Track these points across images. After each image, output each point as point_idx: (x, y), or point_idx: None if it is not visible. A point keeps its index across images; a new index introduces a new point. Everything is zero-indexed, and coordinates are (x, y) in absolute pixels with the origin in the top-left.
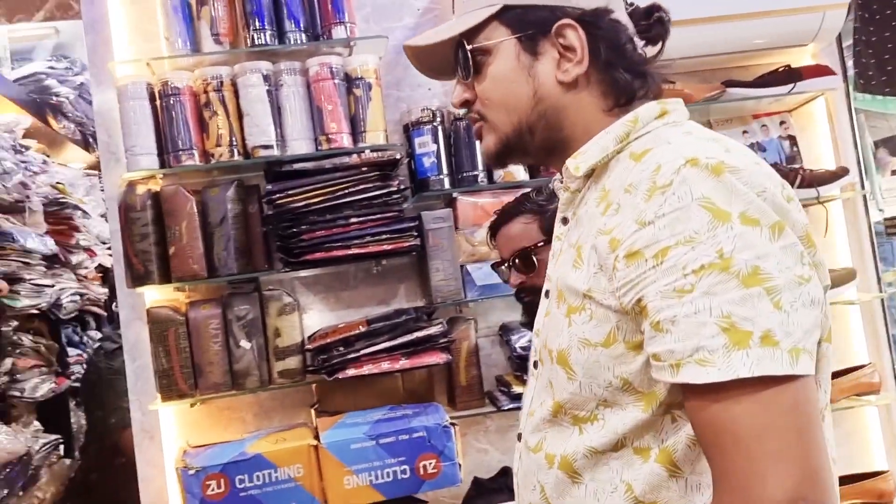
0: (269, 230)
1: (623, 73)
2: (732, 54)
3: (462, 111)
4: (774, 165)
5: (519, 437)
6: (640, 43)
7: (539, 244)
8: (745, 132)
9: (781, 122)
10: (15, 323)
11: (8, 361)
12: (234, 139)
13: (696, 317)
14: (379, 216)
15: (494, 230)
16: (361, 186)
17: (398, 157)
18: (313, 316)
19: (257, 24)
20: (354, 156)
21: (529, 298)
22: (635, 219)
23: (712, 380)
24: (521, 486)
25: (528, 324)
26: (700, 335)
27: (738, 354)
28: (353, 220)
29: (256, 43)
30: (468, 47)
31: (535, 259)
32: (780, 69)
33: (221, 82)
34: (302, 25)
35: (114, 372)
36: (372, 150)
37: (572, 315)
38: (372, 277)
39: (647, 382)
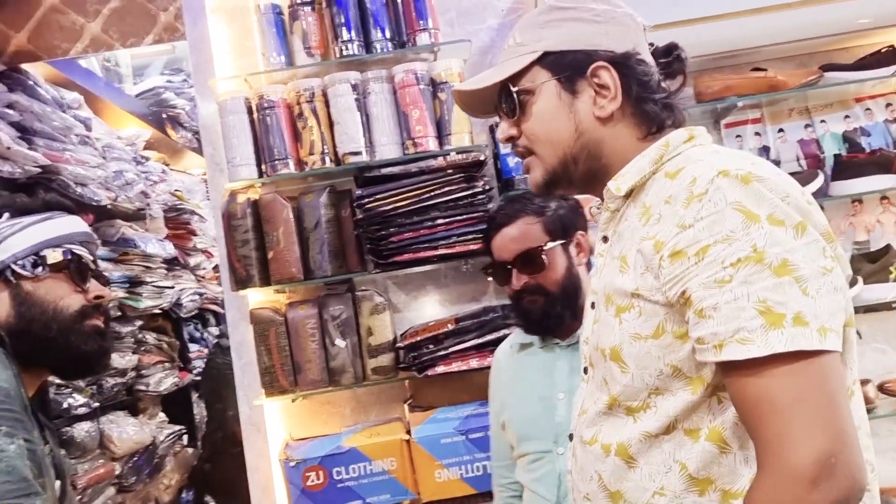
0: (361, 233)
1: (652, 106)
2: (831, 36)
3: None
4: (880, 150)
5: (570, 437)
6: (662, 79)
7: (546, 245)
8: (846, 117)
9: (887, 105)
10: (139, 322)
11: (134, 358)
12: (325, 147)
13: (736, 303)
14: (465, 217)
15: (492, 233)
16: (447, 188)
17: (483, 158)
18: (406, 314)
19: (345, 35)
20: (440, 158)
21: (531, 300)
22: (676, 223)
23: (753, 355)
24: (578, 479)
25: (528, 326)
26: (740, 318)
27: (774, 333)
28: (440, 221)
29: (345, 54)
30: (513, 89)
31: (543, 259)
32: (884, 49)
33: (313, 94)
34: (388, 34)
35: (230, 367)
36: (457, 153)
37: (622, 314)
38: (462, 276)
39: (695, 367)
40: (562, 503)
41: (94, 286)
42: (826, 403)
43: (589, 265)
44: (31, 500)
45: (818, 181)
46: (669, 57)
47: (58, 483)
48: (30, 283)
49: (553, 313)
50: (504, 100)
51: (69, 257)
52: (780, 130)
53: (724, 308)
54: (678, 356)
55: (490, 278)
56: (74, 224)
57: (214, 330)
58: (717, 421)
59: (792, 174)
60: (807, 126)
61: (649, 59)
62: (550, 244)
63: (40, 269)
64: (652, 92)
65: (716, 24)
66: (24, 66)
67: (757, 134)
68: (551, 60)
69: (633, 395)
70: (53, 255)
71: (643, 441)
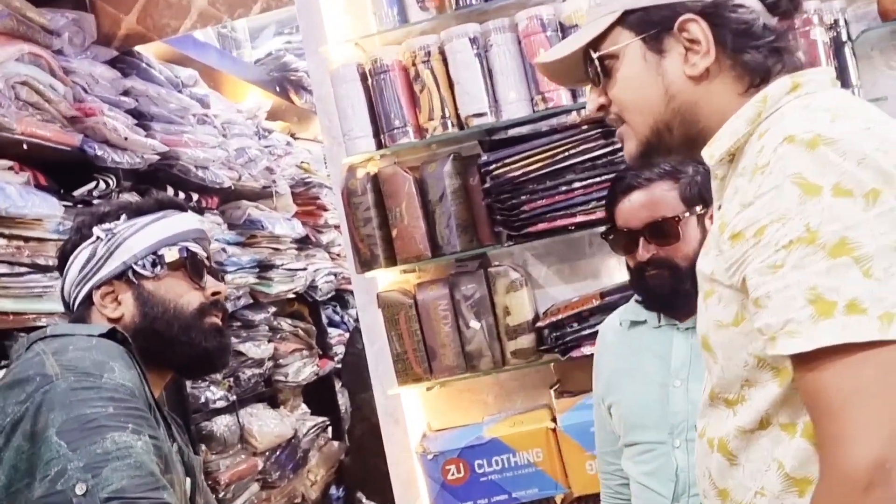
0: (490, 203)
1: (754, 54)
2: None
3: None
4: None
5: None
6: (771, 20)
7: (685, 213)
8: None
9: None
10: (273, 309)
11: (270, 347)
12: (446, 110)
13: (787, 291)
14: (605, 178)
15: (619, 196)
16: (583, 147)
17: None
18: (547, 290)
19: None
20: (574, 114)
21: (657, 273)
22: (740, 201)
23: (799, 349)
24: (698, 473)
25: (649, 302)
26: (790, 308)
27: (823, 324)
28: (577, 184)
29: (462, 5)
30: (594, 55)
31: (679, 230)
32: None
33: (429, 52)
34: None
35: None
36: None
37: (707, 299)
38: (607, 244)
39: (779, 357)
40: (679, 500)
41: (210, 282)
42: (882, 402)
43: None
44: (158, 493)
45: None
46: None
47: (188, 480)
48: (150, 283)
49: (680, 290)
50: (587, 67)
51: (185, 255)
52: None
53: (775, 297)
54: (760, 345)
55: (613, 246)
56: (188, 221)
57: (355, 312)
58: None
59: None
60: None
61: (749, 1)
62: (687, 213)
63: (159, 268)
64: (753, 38)
65: None
66: (137, 47)
67: None
68: (633, 19)
69: (728, 387)
70: (171, 254)
71: (740, 437)
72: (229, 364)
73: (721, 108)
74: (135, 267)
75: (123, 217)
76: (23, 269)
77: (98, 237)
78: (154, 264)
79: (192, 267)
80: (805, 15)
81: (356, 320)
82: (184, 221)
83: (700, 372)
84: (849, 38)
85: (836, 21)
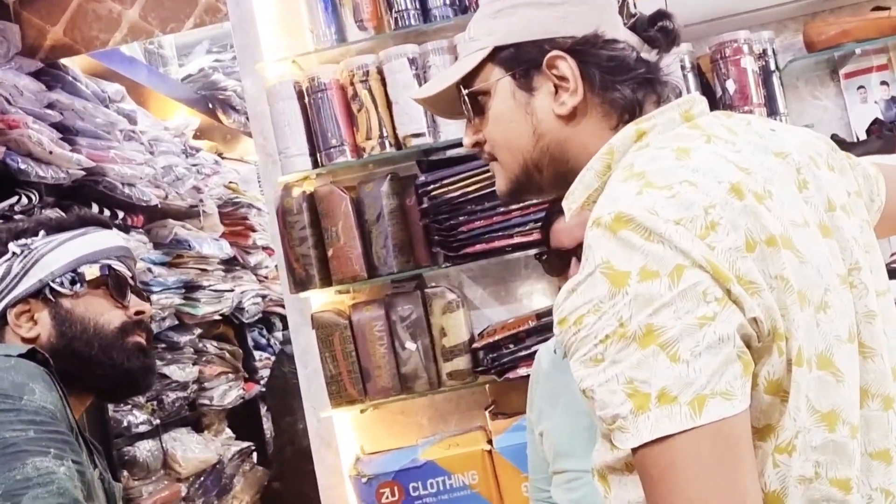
0: (428, 223)
1: (623, 90)
2: None
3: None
4: None
5: None
6: (648, 53)
7: None
8: None
9: None
10: (199, 331)
11: (195, 370)
12: (384, 130)
13: (608, 385)
14: (541, 200)
15: (553, 217)
16: None
17: None
18: (484, 311)
19: (400, 3)
20: None
21: None
22: (569, 284)
23: (630, 445)
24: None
25: None
26: (613, 403)
27: (642, 418)
28: (514, 206)
29: (400, 25)
30: (464, 92)
31: None
32: None
33: (367, 72)
34: None
35: (297, 375)
36: None
37: None
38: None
39: None
40: None
41: (134, 301)
42: (697, 477)
43: None
44: None
45: None
46: (653, 28)
47: None
48: (69, 301)
49: None
50: (464, 102)
51: (107, 272)
52: None
53: (599, 391)
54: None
55: (545, 266)
56: (110, 239)
57: (281, 335)
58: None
59: None
60: None
61: (623, 36)
62: None
63: (78, 285)
64: (623, 73)
65: None
66: (63, 60)
67: (884, 83)
68: (504, 55)
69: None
70: (91, 271)
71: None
72: (153, 386)
73: (589, 146)
74: (52, 284)
75: (42, 233)
76: None
77: (14, 253)
78: (73, 282)
79: (114, 285)
80: (736, 44)
81: (282, 343)
82: (106, 239)
83: None
84: (777, 67)
85: (764, 51)
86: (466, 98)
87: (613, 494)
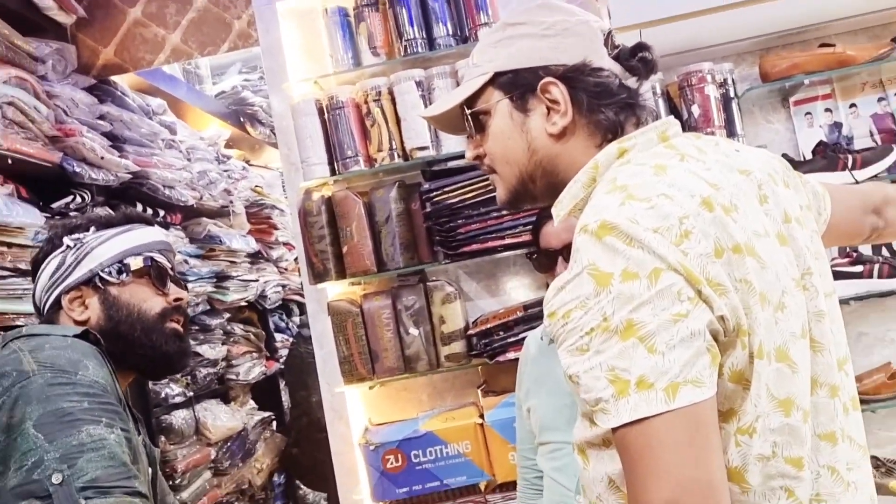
0: (430, 225)
1: (607, 112)
2: None
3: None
4: None
5: None
6: (629, 79)
7: None
8: None
9: None
10: (227, 315)
11: (224, 349)
12: (393, 143)
13: (592, 372)
14: (534, 207)
15: (543, 221)
16: None
17: None
18: (477, 302)
19: (409, 33)
20: None
21: None
22: (558, 282)
23: (611, 425)
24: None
25: None
26: (596, 388)
27: (622, 402)
28: (506, 211)
29: (409, 52)
30: (468, 111)
31: None
32: None
33: (380, 92)
34: (450, 30)
35: (312, 355)
36: None
37: None
38: (529, 264)
39: None
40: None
41: (173, 289)
42: (671, 456)
43: None
44: (130, 482)
45: (892, 156)
46: (634, 58)
47: (150, 470)
48: (116, 289)
49: None
50: (465, 121)
51: (149, 264)
52: (853, 105)
53: (584, 377)
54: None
55: (535, 265)
56: (153, 234)
57: (298, 320)
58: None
59: (865, 150)
60: (881, 100)
61: (608, 64)
62: None
63: (124, 274)
64: (607, 98)
65: (783, 1)
66: (113, 77)
67: (828, 110)
68: (503, 80)
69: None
70: (135, 262)
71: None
72: (188, 367)
73: (577, 161)
74: (101, 274)
75: (93, 229)
76: (5, 273)
77: (68, 246)
78: (120, 272)
79: (156, 275)
80: (700, 73)
81: (299, 327)
82: (149, 234)
83: None
84: (735, 94)
85: (725, 79)
86: (469, 117)
87: (592, 466)
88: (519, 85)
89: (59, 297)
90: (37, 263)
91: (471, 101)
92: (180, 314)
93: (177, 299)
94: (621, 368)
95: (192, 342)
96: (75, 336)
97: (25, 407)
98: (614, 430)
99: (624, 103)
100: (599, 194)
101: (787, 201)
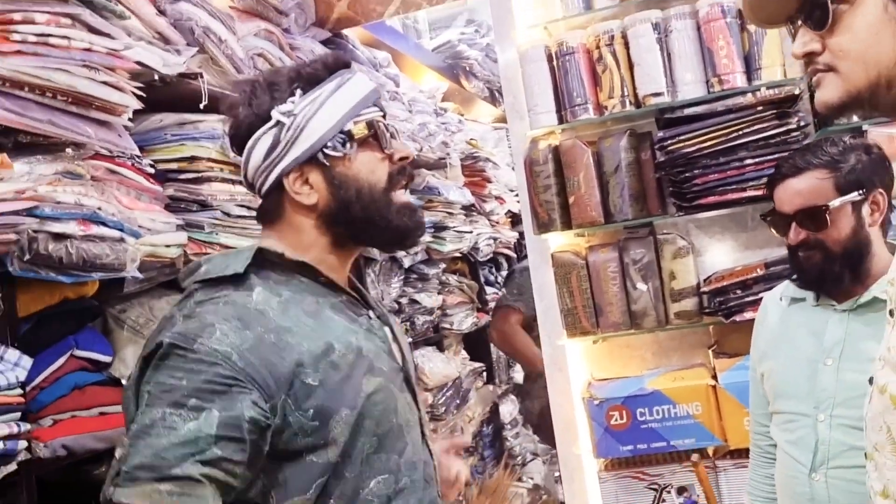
0: (662, 176)
1: None
2: None
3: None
4: None
5: (870, 381)
6: None
7: (832, 203)
8: None
9: None
10: (443, 265)
11: (439, 298)
12: (625, 90)
13: None
14: (777, 156)
15: (777, 182)
16: (757, 126)
17: (798, 92)
18: (709, 258)
19: None
20: (749, 95)
21: (808, 255)
22: None
23: None
24: (870, 427)
25: (802, 281)
26: None
27: None
28: (749, 161)
29: None
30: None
31: (826, 218)
32: None
33: (612, 36)
34: None
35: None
36: (768, 88)
37: None
38: None
39: None
40: (817, 471)
41: (396, 146)
42: None
43: (884, 224)
44: (182, 467)
45: None
46: None
47: (398, 360)
48: (341, 163)
49: (830, 272)
50: (813, 8)
51: (371, 129)
52: None
53: None
54: None
55: (770, 227)
56: (362, 84)
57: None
58: None
59: None
60: None
61: None
62: (837, 202)
63: (348, 146)
64: None
65: None
66: (345, 31)
67: None
68: None
69: None
70: (358, 130)
71: None
72: (418, 243)
73: None
74: (325, 150)
75: (298, 92)
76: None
77: (278, 121)
78: (343, 143)
79: (380, 137)
80: None
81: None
82: (358, 85)
83: (854, 353)
84: None
85: None
86: (828, 4)
87: None
88: None
89: (279, 178)
90: (239, 136)
91: None
92: (406, 175)
93: (402, 158)
94: None
95: (410, 290)
96: (249, 264)
97: (149, 370)
98: None
99: None
100: None
101: None
